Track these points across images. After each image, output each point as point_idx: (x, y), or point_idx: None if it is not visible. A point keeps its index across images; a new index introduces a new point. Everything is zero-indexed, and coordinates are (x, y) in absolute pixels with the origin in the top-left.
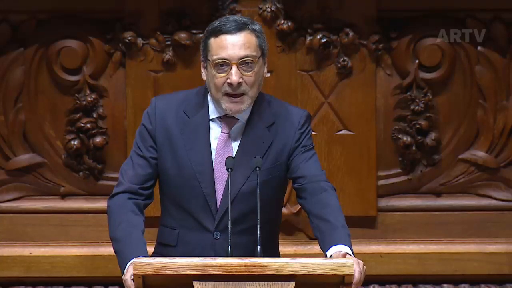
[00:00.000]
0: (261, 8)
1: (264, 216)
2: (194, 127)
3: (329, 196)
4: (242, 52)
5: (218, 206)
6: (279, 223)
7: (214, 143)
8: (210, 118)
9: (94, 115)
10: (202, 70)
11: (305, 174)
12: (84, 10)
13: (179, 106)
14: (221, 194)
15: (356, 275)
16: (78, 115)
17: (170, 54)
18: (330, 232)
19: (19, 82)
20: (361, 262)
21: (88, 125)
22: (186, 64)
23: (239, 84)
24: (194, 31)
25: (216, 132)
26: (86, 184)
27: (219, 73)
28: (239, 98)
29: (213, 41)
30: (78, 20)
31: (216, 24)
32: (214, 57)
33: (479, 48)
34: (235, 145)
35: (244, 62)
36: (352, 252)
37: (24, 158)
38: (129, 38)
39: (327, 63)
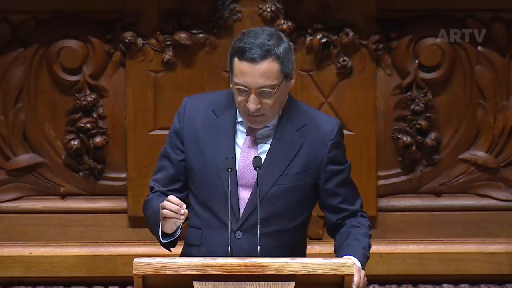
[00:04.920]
0: (261, 8)
1: (290, 223)
2: (221, 126)
3: (363, 221)
4: (261, 82)
5: (243, 206)
6: (305, 232)
7: (240, 142)
8: (238, 120)
9: (94, 115)
10: (229, 73)
11: (346, 207)
12: (84, 10)
13: (209, 106)
14: (244, 194)
15: (355, 279)
16: (78, 115)
17: (170, 54)
18: (348, 246)
19: (19, 82)
20: (363, 272)
21: (88, 125)
22: (186, 64)
23: (257, 109)
24: (194, 31)
25: (243, 133)
26: (86, 184)
27: (240, 95)
28: (259, 117)
29: (236, 62)
30: (78, 20)
31: (242, 44)
32: (236, 81)
33: (479, 48)
34: (262, 146)
35: (263, 91)
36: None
37: (24, 158)
38: (129, 38)
39: (327, 63)
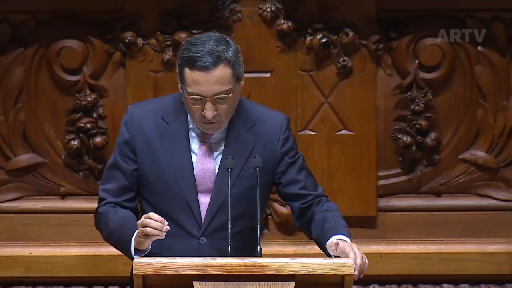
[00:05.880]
0: (261, 8)
1: (249, 223)
2: (174, 133)
3: (332, 205)
4: (216, 89)
5: (204, 211)
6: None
7: (195, 148)
8: (190, 127)
9: (94, 115)
10: (179, 83)
11: (310, 192)
12: (84, 10)
13: (157, 113)
14: (204, 199)
15: (351, 256)
16: (78, 115)
17: (170, 54)
18: (331, 228)
19: (19, 82)
20: (355, 245)
21: (88, 125)
22: None
23: (214, 116)
24: (194, 31)
25: (196, 138)
26: (86, 184)
27: (194, 104)
28: (215, 123)
29: (187, 72)
30: (78, 20)
31: (191, 53)
32: (189, 91)
33: (479, 48)
34: (217, 151)
35: (218, 98)
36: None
37: (24, 158)
38: (129, 38)
39: (327, 63)
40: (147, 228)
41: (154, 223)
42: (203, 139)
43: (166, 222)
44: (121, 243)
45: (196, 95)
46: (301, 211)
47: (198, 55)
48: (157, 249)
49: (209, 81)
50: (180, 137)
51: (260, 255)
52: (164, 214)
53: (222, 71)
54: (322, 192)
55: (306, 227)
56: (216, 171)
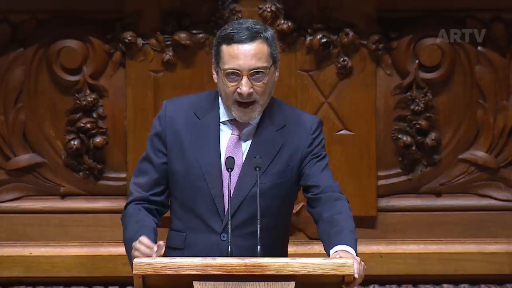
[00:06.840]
0: (261, 8)
1: (272, 221)
2: (204, 128)
3: (343, 204)
4: (253, 63)
5: (225, 207)
6: (288, 230)
7: (224, 145)
8: (221, 120)
9: (94, 115)
10: (214, 73)
11: (319, 183)
12: (84, 10)
13: (190, 108)
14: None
15: (355, 266)
16: (78, 115)
17: (170, 54)
18: (337, 234)
19: (19, 82)
20: (358, 258)
21: (88, 125)
22: (186, 64)
23: (250, 94)
24: (194, 31)
25: (226, 134)
26: (86, 184)
27: (230, 82)
28: (249, 107)
29: (225, 48)
30: (78, 20)
31: (229, 31)
32: (225, 67)
33: (479, 48)
34: (245, 148)
35: (255, 73)
36: (356, 255)
37: (24, 158)
38: (129, 38)
39: (327, 63)
40: (135, 253)
41: (143, 248)
42: (235, 131)
43: (155, 248)
44: (128, 249)
45: (233, 69)
46: (312, 200)
47: (236, 31)
48: (180, 244)
49: (247, 54)
50: (210, 132)
51: (260, 255)
52: (188, 209)
53: (259, 46)
54: (335, 187)
55: (314, 220)
56: (241, 167)
